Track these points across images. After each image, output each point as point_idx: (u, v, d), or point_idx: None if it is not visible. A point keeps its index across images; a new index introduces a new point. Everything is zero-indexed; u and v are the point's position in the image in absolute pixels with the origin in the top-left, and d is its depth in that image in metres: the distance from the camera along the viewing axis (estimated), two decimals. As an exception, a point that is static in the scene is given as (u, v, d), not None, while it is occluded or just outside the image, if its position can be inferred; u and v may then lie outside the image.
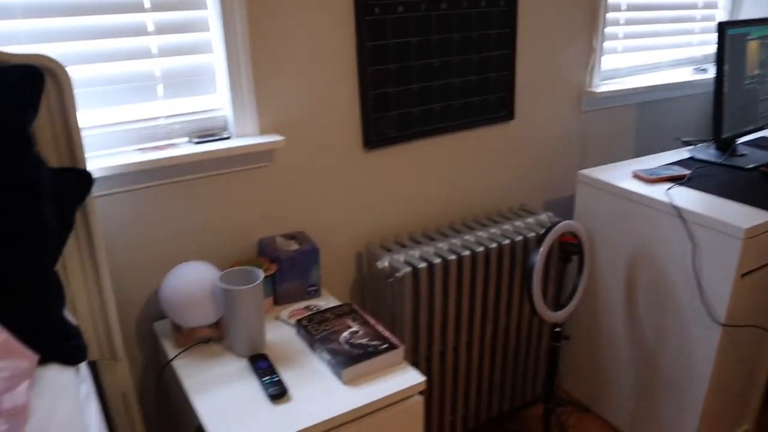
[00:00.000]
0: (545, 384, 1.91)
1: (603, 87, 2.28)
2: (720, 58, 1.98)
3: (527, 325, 2.04)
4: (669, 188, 1.85)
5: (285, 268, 1.59)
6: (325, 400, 1.30)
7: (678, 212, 1.72)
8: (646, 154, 2.36)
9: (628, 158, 2.40)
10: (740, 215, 1.65)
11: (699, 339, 1.77)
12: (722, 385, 1.87)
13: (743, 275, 1.67)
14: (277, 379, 1.33)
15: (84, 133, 1.42)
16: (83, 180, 1.25)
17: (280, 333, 1.53)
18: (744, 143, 2.29)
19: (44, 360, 1.09)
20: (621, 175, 1.97)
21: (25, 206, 1.08)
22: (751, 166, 2.02)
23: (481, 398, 2.05)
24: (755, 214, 1.66)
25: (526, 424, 2.19)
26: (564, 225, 1.70)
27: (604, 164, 2.18)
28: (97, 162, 1.41)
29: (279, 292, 1.62)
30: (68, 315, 1.24)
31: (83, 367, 1.18)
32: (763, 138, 2.38)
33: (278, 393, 1.29)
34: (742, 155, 2.13)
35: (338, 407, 1.28)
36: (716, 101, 2.02)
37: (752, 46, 2.10)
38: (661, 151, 2.44)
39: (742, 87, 2.09)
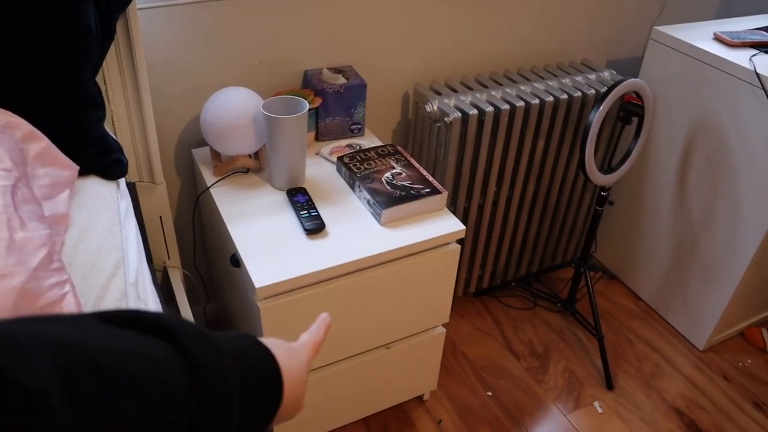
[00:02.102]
0: (583, 247, 1.88)
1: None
2: None
3: (570, 188, 1.97)
4: (753, 55, 1.68)
5: (330, 103, 1.52)
6: (361, 239, 1.28)
7: (760, 81, 1.57)
8: (731, 17, 2.15)
9: (710, 20, 2.18)
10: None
11: (749, 221, 1.69)
12: (760, 272, 1.82)
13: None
14: (315, 213, 1.31)
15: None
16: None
17: (320, 169, 1.49)
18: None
19: (84, 172, 1.07)
20: (700, 36, 1.80)
21: (69, 7, 1.00)
22: None
23: (512, 256, 2.04)
24: None
25: (552, 286, 2.20)
26: (630, 83, 1.58)
27: (682, 23, 1.99)
28: (136, -32, 1.31)
29: (321, 128, 1.56)
30: (109, 131, 1.21)
31: (123, 183, 1.17)
32: None
33: (315, 227, 1.28)
34: (838, 24, 1.92)
35: (375, 247, 1.27)
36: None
37: None
38: (750, 14, 2.21)
39: None
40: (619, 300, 2.16)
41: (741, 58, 1.66)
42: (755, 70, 1.58)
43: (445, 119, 1.60)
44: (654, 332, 2.04)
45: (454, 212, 1.79)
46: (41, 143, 0.97)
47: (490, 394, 1.79)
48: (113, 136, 1.16)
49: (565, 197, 1.99)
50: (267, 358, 0.49)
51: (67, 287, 0.78)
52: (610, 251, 2.25)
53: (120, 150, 1.14)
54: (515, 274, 2.11)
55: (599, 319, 1.88)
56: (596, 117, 1.56)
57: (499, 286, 2.14)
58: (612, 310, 2.12)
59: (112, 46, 1.24)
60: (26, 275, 0.74)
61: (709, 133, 1.75)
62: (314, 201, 1.37)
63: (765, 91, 1.57)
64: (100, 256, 0.90)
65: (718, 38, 1.78)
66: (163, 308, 1.19)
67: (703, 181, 1.81)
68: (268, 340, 0.53)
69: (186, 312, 1.52)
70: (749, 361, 1.96)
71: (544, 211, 1.99)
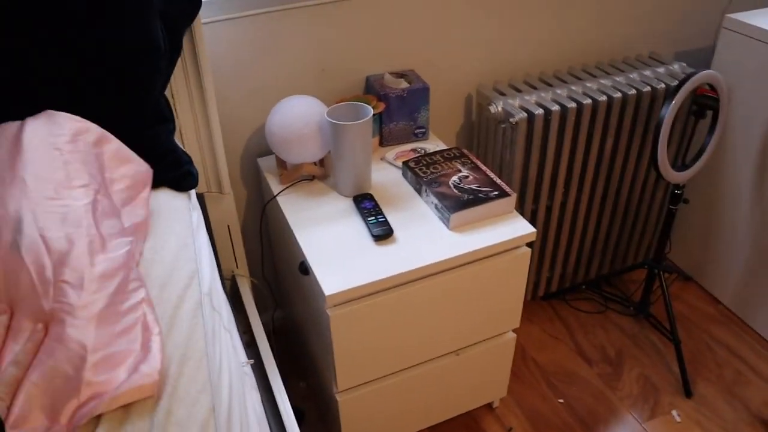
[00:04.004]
0: (657, 248, 1.81)
1: None
2: None
3: (641, 186, 1.90)
4: (837, 38, 1.58)
5: (393, 107, 1.51)
6: (430, 244, 1.27)
7: None
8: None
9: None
10: None
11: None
12: None
13: None
14: (383, 219, 1.30)
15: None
16: (191, 0, 1.17)
17: (385, 174, 1.48)
18: None
19: (156, 185, 1.09)
20: (778, 22, 1.70)
21: (139, 26, 1.03)
22: None
23: (581, 258, 1.98)
24: None
25: (624, 288, 2.12)
26: (704, 75, 1.51)
27: (755, 9, 1.89)
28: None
29: (385, 133, 1.55)
30: (178, 144, 1.23)
31: (193, 195, 1.19)
32: None
33: (384, 233, 1.27)
34: None
35: (444, 252, 1.25)
36: None
37: None
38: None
39: None
40: (695, 303, 2.07)
41: (826, 43, 1.56)
42: (843, 56, 1.49)
43: (511, 120, 1.57)
44: (734, 337, 1.94)
45: (522, 214, 1.74)
46: (113, 144, 0.99)
47: (561, 401, 1.74)
48: (182, 149, 1.18)
49: (636, 196, 1.92)
50: None
51: (141, 310, 0.79)
52: (684, 252, 2.16)
53: (190, 162, 1.15)
54: (585, 277, 2.05)
55: (675, 323, 1.80)
56: (669, 112, 1.49)
57: (569, 290, 2.08)
58: (688, 313, 2.03)
59: (179, 60, 1.26)
60: (104, 302, 0.75)
61: (791, 124, 1.66)
62: (381, 207, 1.36)
63: None
64: (176, 267, 0.91)
65: (798, 24, 1.68)
66: (234, 316, 1.20)
67: (786, 175, 1.71)
68: None
69: (254, 319, 1.53)
70: (842, 366, 1.84)
71: (614, 211, 1.93)
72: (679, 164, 1.69)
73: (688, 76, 1.49)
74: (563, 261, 1.96)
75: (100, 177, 0.92)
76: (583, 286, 2.09)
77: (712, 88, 1.57)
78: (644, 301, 1.95)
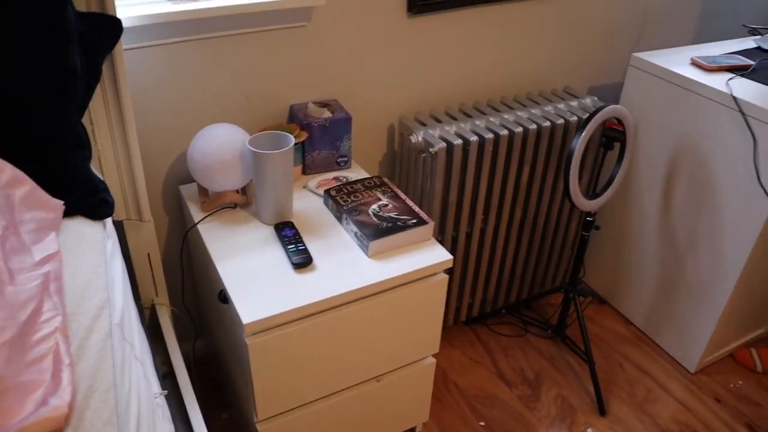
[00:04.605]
0: (572, 273, 1.89)
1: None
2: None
3: (556, 214, 1.99)
4: (730, 79, 1.72)
5: (316, 136, 1.53)
6: (349, 272, 1.29)
7: (737, 105, 1.61)
8: (708, 41, 2.20)
9: (688, 45, 2.23)
10: (803, 112, 1.54)
11: (732, 242, 1.71)
12: (746, 292, 1.83)
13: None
14: (302, 247, 1.32)
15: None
16: (112, 27, 1.17)
17: (307, 202, 1.50)
18: (814, 35, 2.10)
19: (70, 213, 1.07)
20: (678, 61, 1.83)
21: (53, 49, 1.01)
22: (820, 60, 1.86)
23: (501, 284, 2.04)
24: (820, 111, 1.55)
25: (542, 312, 2.20)
26: (611, 109, 1.60)
27: (660, 49, 2.02)
28: (125, 11, 1.32)
29: (308, 161, 1.57)
30: (96, 171, 1.21)
31: (109, 223, 1.17)
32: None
33: (303, 262, 1.28)
34: (812, 48, 1.96)
35: (363, 279, 1.27)
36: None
37: None
38: (725, 38, 2.26)
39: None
40: (610, 324, 2.16)
41: (718, 82, 1.69)
42: (732, 94, 1.62)
43: (430, 150, 1.62)
44: (645, 356, 2.04)
45: (442, 241, 1.79)
46: (26, 186, 0.97)
47: (482, 424, 1.78)
48: (99, 176, 1.16)
49: (552, 223, 2.00)
50: None
51: (54, 340, 0.77)
52: (598, 276, 2.26)
53: (105, 189, 1.14)
54: (505, 301, 2.12)
55: (590, 345, 1.88)
56: (578, 144, 1.58)
57: (490, 314, 2.14)
58: (602, 334, 2.12)
59: (98, 87, 1.25)
60: (15, 330, 0.74)
61: (690, 155, 1.78)
62: (302, 235, 1.37)
63: (742, 113, 1.60)
64: (86, 297, 0.90)
65: (695, 63, 1.81)
66: (150, 346, 1.18)
67: (686, 202, 1.83)
68: None
69: (174, 349, 1.51)
70: (740, 382, 1.96)
71: (531, 238, 2.00)
72: (591, 193, 1.79)
73: (597, 110, 1.59)
74: (484, 286, 2.02)
75: (10, 216, 0.90)
76: (503, 311, 2.16)
77: (620, 121, 1.67)
78: (561, 324, 2.03)
